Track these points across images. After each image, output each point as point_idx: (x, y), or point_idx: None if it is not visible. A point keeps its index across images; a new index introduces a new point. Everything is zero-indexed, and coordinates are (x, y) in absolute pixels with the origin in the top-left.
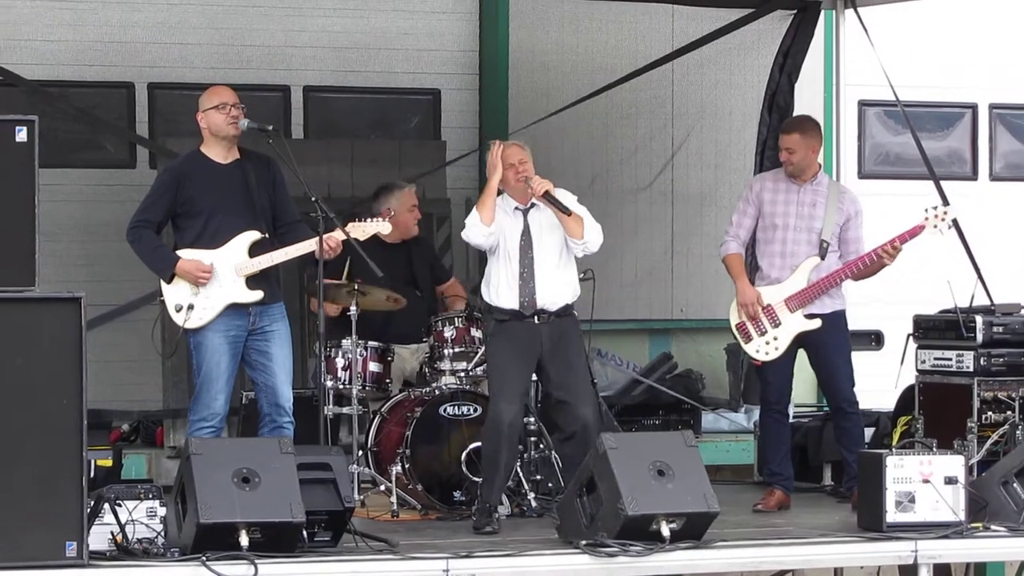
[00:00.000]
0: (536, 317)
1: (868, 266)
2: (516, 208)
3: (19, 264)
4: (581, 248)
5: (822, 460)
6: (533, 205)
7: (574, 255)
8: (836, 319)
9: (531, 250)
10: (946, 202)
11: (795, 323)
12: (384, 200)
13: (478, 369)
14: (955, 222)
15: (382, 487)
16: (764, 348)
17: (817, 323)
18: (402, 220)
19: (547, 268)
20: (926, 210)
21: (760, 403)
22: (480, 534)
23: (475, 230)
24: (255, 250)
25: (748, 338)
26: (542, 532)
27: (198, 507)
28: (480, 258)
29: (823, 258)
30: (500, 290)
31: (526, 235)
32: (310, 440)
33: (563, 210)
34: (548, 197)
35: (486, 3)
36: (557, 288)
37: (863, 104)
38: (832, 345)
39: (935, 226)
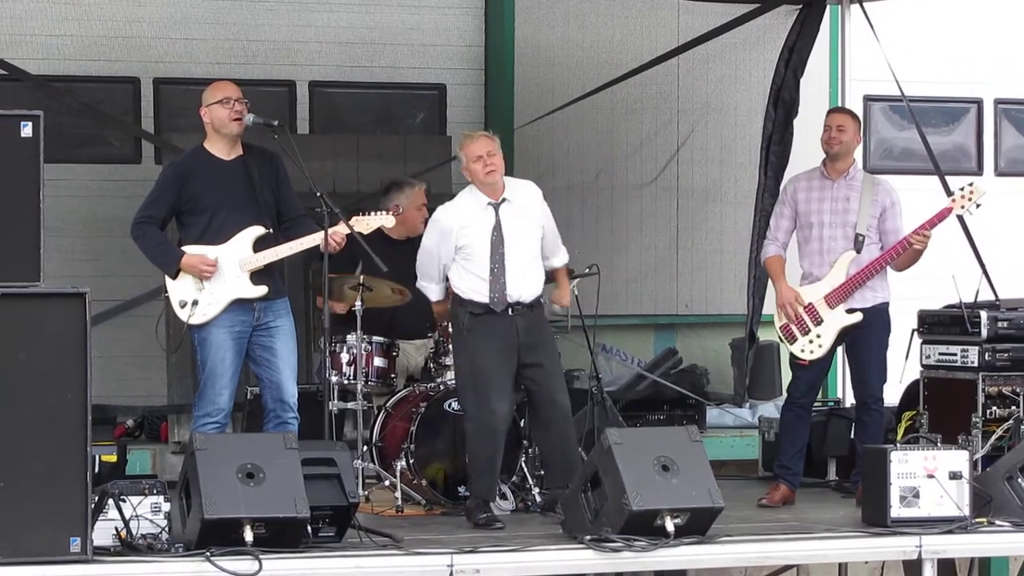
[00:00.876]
0: (510, 310)
1: (901, 254)
2: (488, 203)
3: (24, 259)
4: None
5: (826, 455)
6: (504, 200)
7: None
8: (879, 313)
9: (502, 246)
10: (949, 193)
11: (837, 319)
12: (394, 196)
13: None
14: (960, 217)
15: (386, 482)
16: (808, 347)
17: (858, 316)
18: (410, 217)
19: (519, 262)
20: (953, 191)
21: (786, 394)
22: (487, 528)
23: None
24: (259, 245)
25: (792, 339)
26: (546, 527)
27: (202, 503)
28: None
29: (859, 251)
30: (472, 284)
31: (497, 230)
32: (315, 435)
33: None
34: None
35: None
36: (528, 281)
37: (868, 99)
38: (872, 339)
39: (963, 207)
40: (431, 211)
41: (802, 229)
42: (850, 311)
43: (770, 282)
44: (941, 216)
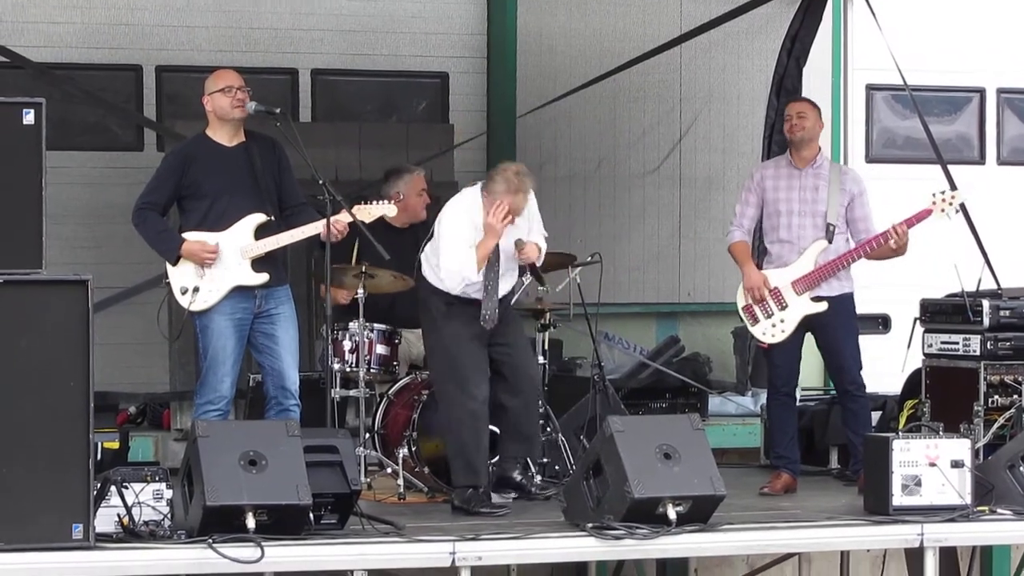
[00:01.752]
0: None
1: (875, 249)
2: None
3: (26, 246)
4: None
5: (828, 443)
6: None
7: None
8: (844, 302)
9: (496, 264)
10: (954, 187)
11: (802, 306)
12: (393, 184)
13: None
14: (963, 206)
15: (389, 470)
16: (771, 331)
17: (824, 306)
18: (411, 204)
19: (504, 276)
20: (934, 194)
21: (767, 386)
22: (496, 517)
23: (455, 279)
24: (261, 233)
25: (755, 320)
26: (548, 515)
27: (204, 490)
28: None
29: (830, 241)
30: (458, 286)
31: (495, 251)
32: (317, 423)
33: (539, 280)
34: (532, 268)
35: None
36: (508, 279)
37: (871, 88)
38: (839, 327)
39: (942, 210)
40: (433, 197)
41: (769, 217)
42: (817, 299)
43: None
44: (919, 217)
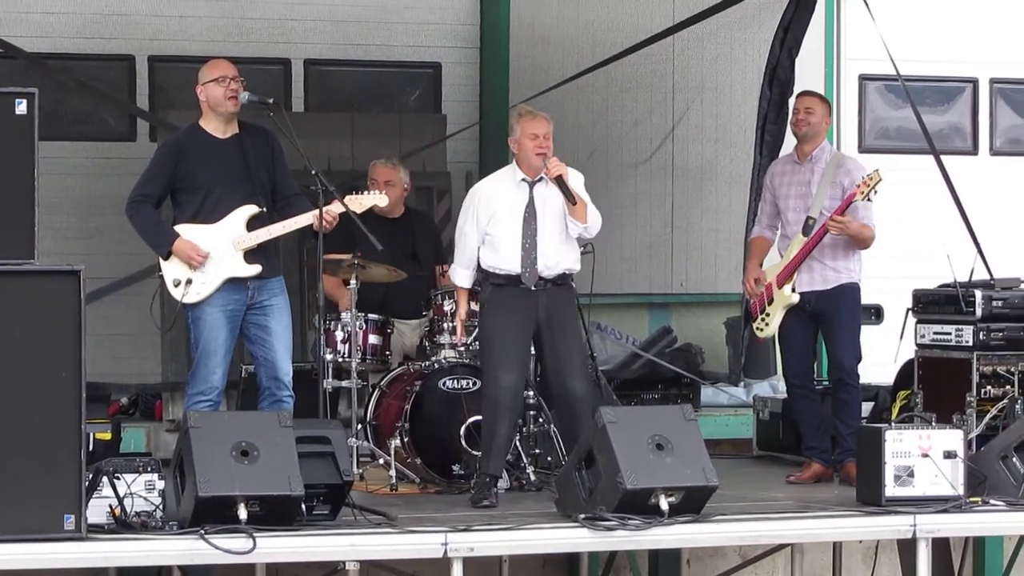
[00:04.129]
0: (534, 284)
1: (821, 240)
2: (523, 179)
3: (19, 237)
4: (580, 231)
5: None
6: (540, 179)
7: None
8: (842, 292)
9: (535, 221)
10: (948, 178)
11: (780, 299)
12: (368, 176)
13: (477, 343)
14: (956, 198)
15: (381, 461)
16: (761, 324)
17: (796, 298)
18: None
19: (550, 241)
20: (860, 177)
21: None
22: (478, 508)
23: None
24: (253, 224)
25: (754, 316)
26: (541, 506)
27: (196, 480)
28: None
29: (806, 235)
30: (500, 259)
31: (530, 207)
32: (309, 414)
33: (569, 198)
34: (559, 182)
35: None
36: (558, 257)
37: (864, 78)
38: (836, 317)
39: (863, 193)
40: (424, 187)
41: (780, 213)
42: (802, 293)
43: None
44: (847, 202)
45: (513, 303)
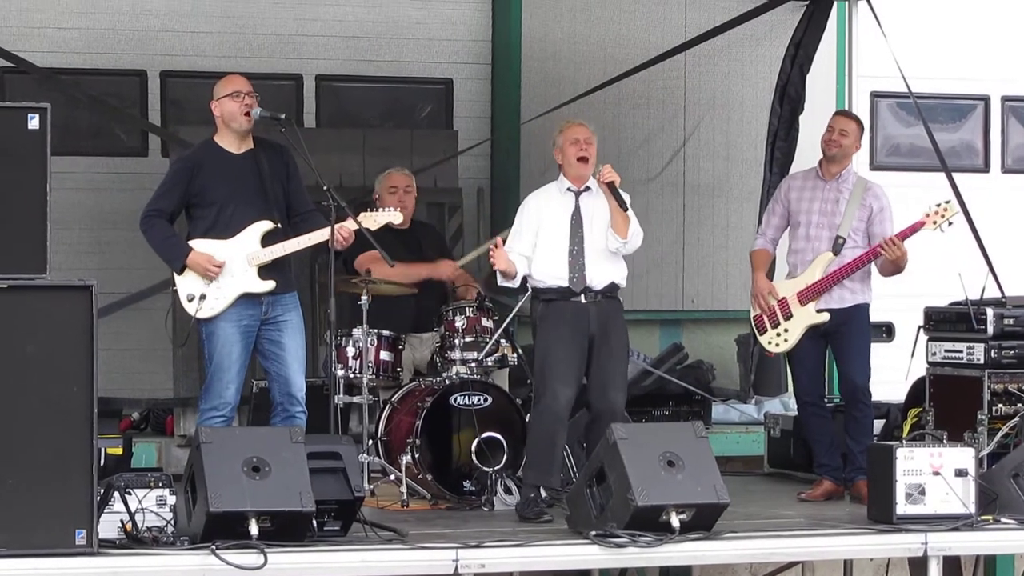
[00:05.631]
0: (584, 296)
1: (869, 262)
2: (568, 188)
3: (31, 251)
4: (619, 245)
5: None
6: (587, 189)
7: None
8: (855, 312)
9: (581, 229)
10: (960, 197)
11: (805, 316)
12: (376, 188)
13: (489, 359)
14: (967, 215)
15: (392, 476)
16: (775, 340)
17: (825, 317)
18: (385, 203)
19: (596, 249)
20: (929, 207)
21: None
22: (538, 523)
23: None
24: (268, 240)
25: (763, 330)
26: (552, 522)
27: (208, 496)
28: None
29: (836, 253)
30: (548, 268)
31: (576, 215)
32: (320, 429)
33: (620, 203)
34: (612, 187)
35: None
36: (605, 268)
37: (875, 95)
38: (849, 336)
39: (935, 223)
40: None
41: (792, 228)
42: (820, 311)
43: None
44: (913, 229)
45: (567, 317)
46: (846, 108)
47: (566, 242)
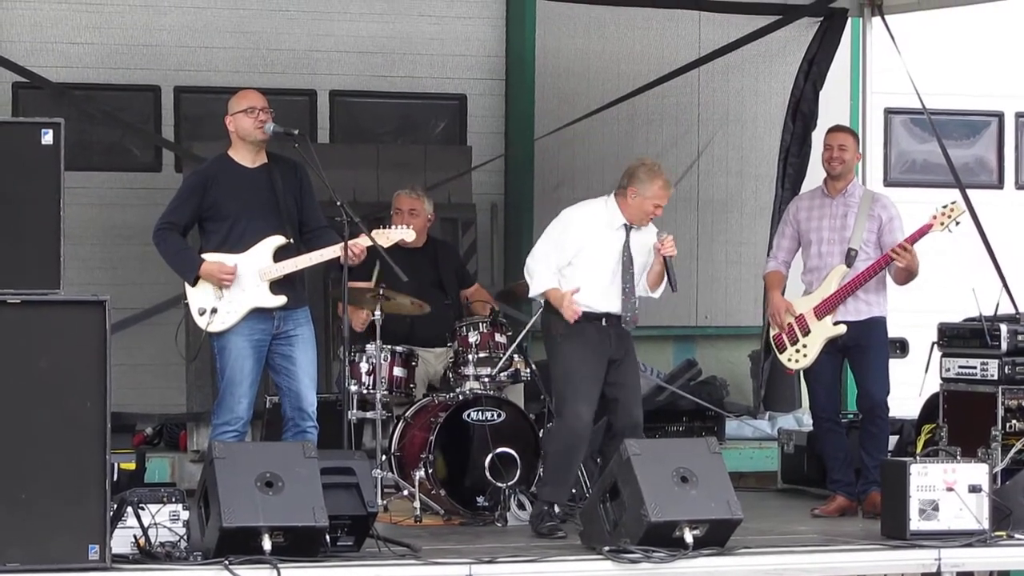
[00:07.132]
0: (604, 320)
1: (882, 269)
2: (623, 224)
3: (44, 267)
4: (646, 294)
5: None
6: (635, 227)
7: None
8: (873, 324)
9: (632, 266)
10: (973, 212)
11: (823, 330)
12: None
13: (502, 375)
14: (981, 231)
15: (405, 492)
16: (795, 356)
17: (842, 329)
18: (396, 223)
19: (639, 285)
20: (936, 208)
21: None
22: (552, 538)
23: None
24: (280, 255)
25: (782, 348)
26: (565, 538)
27: (221, 511)
28: (506, 266)
29: (849, 266)
30: (599, 298)
31: (627, 251)
32: (333, 445)
33: (671, 281)
34: (667, 261)
35: (512, 8)
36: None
37: (889, 112)
38: (867, 350)
39: (942, 224)
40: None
41: (804, 247)
42: (837, 323)
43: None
44: (922, 232)
45: (591, 337)
46: (859, 124)
47: (617, 276)
